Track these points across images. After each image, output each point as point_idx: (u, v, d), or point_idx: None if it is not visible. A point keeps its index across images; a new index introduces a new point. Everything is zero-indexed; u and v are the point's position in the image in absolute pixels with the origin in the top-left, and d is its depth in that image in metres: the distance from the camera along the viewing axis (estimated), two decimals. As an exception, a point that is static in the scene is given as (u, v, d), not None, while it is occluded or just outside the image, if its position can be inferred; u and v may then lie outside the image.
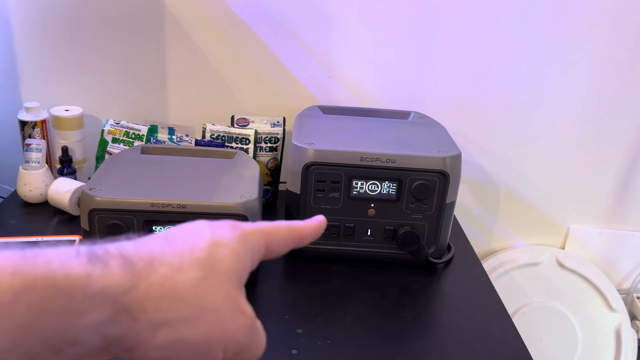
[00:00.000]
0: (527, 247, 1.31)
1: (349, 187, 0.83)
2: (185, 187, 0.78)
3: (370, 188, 0.83)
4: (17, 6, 1.03)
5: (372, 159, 0.82)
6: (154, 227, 0.74)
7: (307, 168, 0.82)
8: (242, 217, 0.75)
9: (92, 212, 0.72)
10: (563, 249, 1.31)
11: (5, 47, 1.06)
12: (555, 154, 1.20)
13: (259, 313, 0.75)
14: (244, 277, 0.32)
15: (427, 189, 0.82)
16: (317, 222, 0.37)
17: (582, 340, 1.28)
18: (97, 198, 0.72)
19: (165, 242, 0.30)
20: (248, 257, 0.32)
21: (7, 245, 0.81)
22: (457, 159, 0.83)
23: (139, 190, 0.75)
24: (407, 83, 1.12)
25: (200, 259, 0.29)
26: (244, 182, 0.81)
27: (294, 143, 0.84)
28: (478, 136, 1.18)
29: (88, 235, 0.74)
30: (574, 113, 1.16)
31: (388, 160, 0.81)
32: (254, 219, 0.75)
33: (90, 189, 0.73)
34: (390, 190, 0.83)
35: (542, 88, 1.14)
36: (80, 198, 0.73)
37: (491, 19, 1.07)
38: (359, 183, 0.83)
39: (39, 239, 0.86)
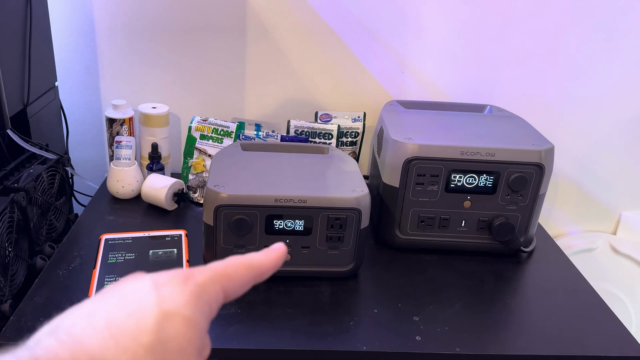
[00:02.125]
0: (581, 233, 1.35)
1: (448, 180, 0.87)
2: (300, 182, 0.81)
3: (467, 181, 0.87)
4: (101, 7, 1.05)
5: (472, 153, 0.85)
6: (275, 222, 0.77)
7: (409, 162, 0.86)
8: (357, 211, 0.78)
9: (218, 208, 0.75)
10: (614, 235, 1.36)
11: (88, 46, 1.08)
12: (608, 142, 1.25)
13: (370, 302, 0.80)
14: (203, 339, 0.29)
15: (524, 181, 0.86)
16: (277, 254, 0.34)
17: (635, 321, 1.34)
18: (223, 194, 0.75)
19: (105, 330, 0.25)
20: (205, 316, 0.29)
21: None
22: (551, 151, 0.87)
23: (259, 186, 0.78)
24: (476, 77, 1.15)
25: (149, 345, 0.25)
26: (349, 177, 0.84)
27: (394, 138, 0.87)
28: (538, 125, 1.21)
29: (212, 230, 0.77)
30: (630, 104, 1.20)
31: (487, 154, 0.85)
32: (365, 213, 0.79)
33: (214, 186, 0.76)
34: (488, 182, 0.87)
35: (604, 80, 1.17)
36: (205, 194, 0.76)
37: (559, 17, 1.10)
38: (458, 176, 0.86)
39: (147, 234, 0.89)
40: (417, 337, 0.73)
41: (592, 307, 0.83)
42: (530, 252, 0.96)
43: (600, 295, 0.86)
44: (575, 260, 1.33)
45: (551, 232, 1.36)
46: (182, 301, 0.28)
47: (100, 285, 0.76)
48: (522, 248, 0.92)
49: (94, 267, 0.80)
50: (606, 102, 1.19)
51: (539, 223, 1.05)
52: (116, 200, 1.02)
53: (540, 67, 1.15)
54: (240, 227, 0.76)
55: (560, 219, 1.34)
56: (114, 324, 0.26)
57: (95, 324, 0.26)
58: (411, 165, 0.86)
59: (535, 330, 0.76)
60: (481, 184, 0.87)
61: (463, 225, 0.90)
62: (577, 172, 1.28)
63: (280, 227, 0.78)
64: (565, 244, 1.32)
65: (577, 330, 0.77)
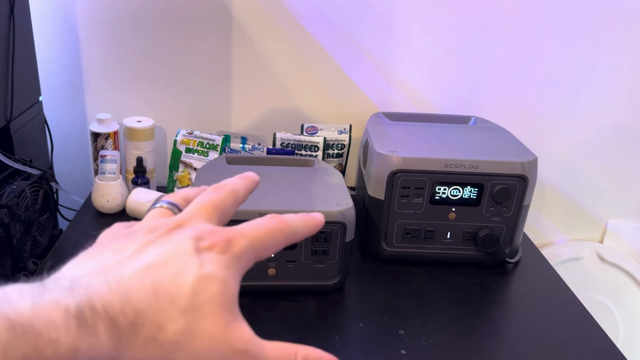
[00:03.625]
0: (568, 242, 1.36)
1: (433, 192, 0.87)
2: (284, 196, 0.81)
3: (452, 193, 0.87)
4: (85, 21, 1.05)
5: (456, 165, 0.85)
6: (259, 236, 0.77)
7: (393, 175, 0.86)
8: (341, 225, 0.78)
9: (202, 224, 0.75)
10: (601, 243, 1.37)
11: (73, 60, 1.07)
12: (593, 151, 1.26)
13: (356, 315, 0.79)
14: (235, 299, 0.29)
15: (508, 193, 0.86)
16: (315, 222, 0.34)
17: (622, 329, 1.35)
18: (207, 210, 0.75)
19: (150, 289, 0.26)
20: (237, 279, 0.30)
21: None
22: (534, 163, 0.88)
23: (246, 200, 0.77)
24: (461, 88, 1.16)
25: (184, 308, 0.27)
26: (334, 190, 0.84)
27: (378, 151, 0.87)
28: (523, 135, 1.22)
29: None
30: (614, 113, 1.22)
31: (471, 166, 0.85)
32: (350, 226, 0.79)
33: (198, 201, 0.76)
34: (472, 194, 0.87)
35: (587, 89, 1.19)
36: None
37: (542, 28, 1.12)
38: (442, 188, 0.87)
39: (131, 249, 0.88)
40: (402, 351, 0.73)
41: (577, 319, 0.83)
42: (516, 263, 0.96)
43: (588, 304, 0.86)
44: (562, 270, 1.34)
45: (538, 241, 1.36)
46: (220, 266, 0.28)
47: (84, 303, 0.75)
48: (507, 259, 0.92)
49: (77, 284, 0.79)
50: (589, 111, 1.21)
51: (525, 233, 1.06)
52: (101, 215, 1.01)
53: (524, 77, 1.16)
54: (225, 242, 0.76)
55: (547, 228, 1.35)
56: (158, 283, 0.27)
57: (142, 280, 0.27)
58: (396, 177, 0.86)
59: (520, 342, 0.77)
60: (465, 196, 0.87)
61: (448, 236, 0.91)
62: (563, 181, 1.29)
63: (264, 241, 0.77)
64: (552, 253, 1.33)
65: (561, 343, 0.77)
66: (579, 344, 0.77)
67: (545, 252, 1.35)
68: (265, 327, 0.75)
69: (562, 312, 0.84)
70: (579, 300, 0.87)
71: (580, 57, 1.15)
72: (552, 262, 1.32)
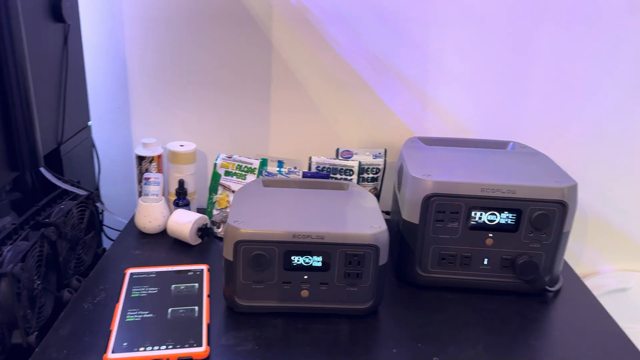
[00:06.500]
0: (614, 272, 1.31)
1: (468, 217, 0.86)
2: (317, 218, 0.81)
3: (489, 218, 0.86)
4: (133, 51, 1.10)
5: (493, 190, 0.85)
6: (292, 257, 0.78)
7: (428, 199, 0.86)
8: (374, 248, 0.78)
9: (238, 244, 0.77)
10: (650, 274, 1.31)
11: (120, 87, 1.13)
12: (637, 177, 1.21)
13: (389, 341, 0.78)
14: None
15: (547, 219, 0.84)
16: None
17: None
18: (243, 230, 0.76)
19: None
20: None
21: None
22: (574, 189, 0.86)
23: (278, 221, 0.79)
24: (498, 113, 1.15)
25: None
26: (368, 213, 0.84)
27: (413, 175, 0.87)
28: (566, 162, 1.20)
29: (232, 265, 0.78)
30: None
31: (508, 191, 0.84)
32: (384, 249, 0.79)
33: (234, 222, 0.78)
34: (510, 220, 0.86)
35: (632, 114, 1.16)
36: (225, 230, 0.78)
37: (581, 52, 1.10)
38: (479, 213, 0.86)
39: (170, 268, 0.90)
40: (436, 378, 0.71)
41: (622, 352, 0.79)
42: (557, 292, 0.93)
43: (637, 338, 0.82)
44: (608, 301, 1.28)
45: (582, 271, 1.32)
46: None
47: (123, 319, 0.78)
48: (547, 287, 0.90)
49: (117, 301, 0.82)
50: (631, 135, 1.17)
51: (566, 262, 1.03)
52: (143, 235, 1.05)
53: (564, 102, 1.15)
54: (259, 262, 0.77)
55: (590, 257, 1.30)
56: None
57: None
58: (430, 201, 0.86)
59: (561, 373, 0.74)
60: (503, 222, 0.86)
61: (486, 263, 0.89)
62: (606, 208, 1.24)
63: (298, 262, 0.78)
64: (597, 284, 1.28)
65: (605, 374, 0.74)
66: (624, 378, 0.73)
67: (590, 283, 1.30)
68: (297, 349, 0.75)
69: (605, 344, 0.81)
70: (624, 332, 0.83)
71: (621, 81, 1.13)
72: (596, 293, 1.27)
